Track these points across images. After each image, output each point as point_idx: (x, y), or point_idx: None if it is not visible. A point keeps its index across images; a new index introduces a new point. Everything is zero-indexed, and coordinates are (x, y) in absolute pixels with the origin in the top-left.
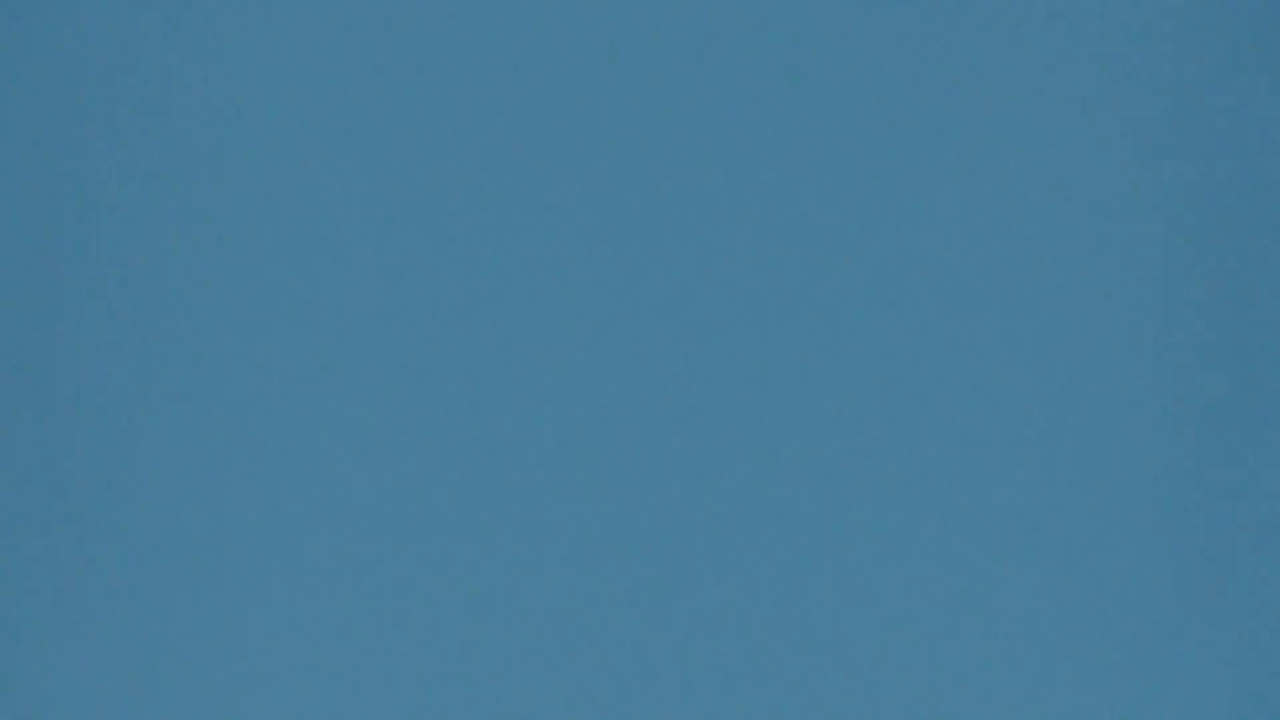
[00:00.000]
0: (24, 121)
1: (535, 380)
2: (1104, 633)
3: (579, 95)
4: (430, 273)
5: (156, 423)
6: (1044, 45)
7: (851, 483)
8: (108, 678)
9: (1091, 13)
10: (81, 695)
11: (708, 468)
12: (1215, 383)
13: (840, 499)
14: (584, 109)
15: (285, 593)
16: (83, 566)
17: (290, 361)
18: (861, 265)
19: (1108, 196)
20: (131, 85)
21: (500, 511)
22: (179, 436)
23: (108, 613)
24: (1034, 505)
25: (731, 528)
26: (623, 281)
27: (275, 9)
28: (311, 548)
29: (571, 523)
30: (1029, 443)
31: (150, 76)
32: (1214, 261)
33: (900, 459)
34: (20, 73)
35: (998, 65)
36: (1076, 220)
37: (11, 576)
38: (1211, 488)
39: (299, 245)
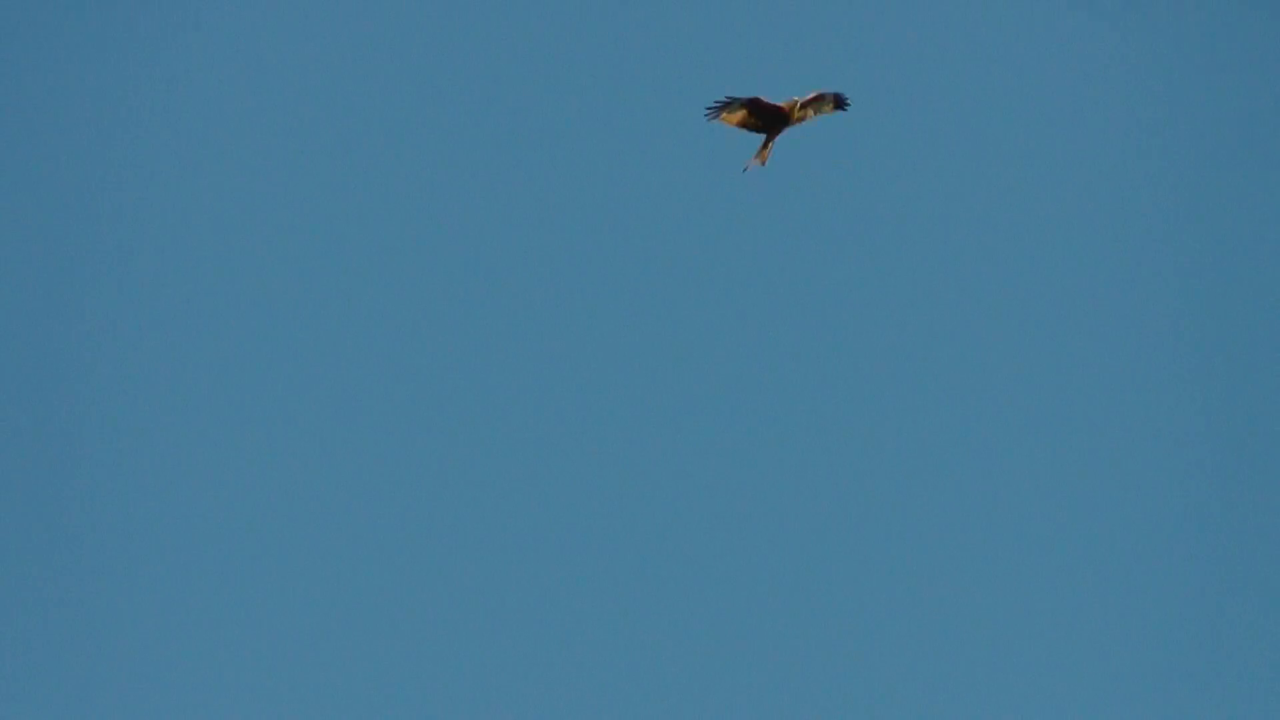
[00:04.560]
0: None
1: (533, 382)
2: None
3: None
4: (417, 282)
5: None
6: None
7: (853, 487)
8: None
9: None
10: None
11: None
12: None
13: (841, 501)
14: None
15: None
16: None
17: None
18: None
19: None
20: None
21: (493, 514)
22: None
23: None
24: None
25: (731, 534)
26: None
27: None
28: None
29: (570, 525)
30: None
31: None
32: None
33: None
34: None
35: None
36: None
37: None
38: (1218, 492)
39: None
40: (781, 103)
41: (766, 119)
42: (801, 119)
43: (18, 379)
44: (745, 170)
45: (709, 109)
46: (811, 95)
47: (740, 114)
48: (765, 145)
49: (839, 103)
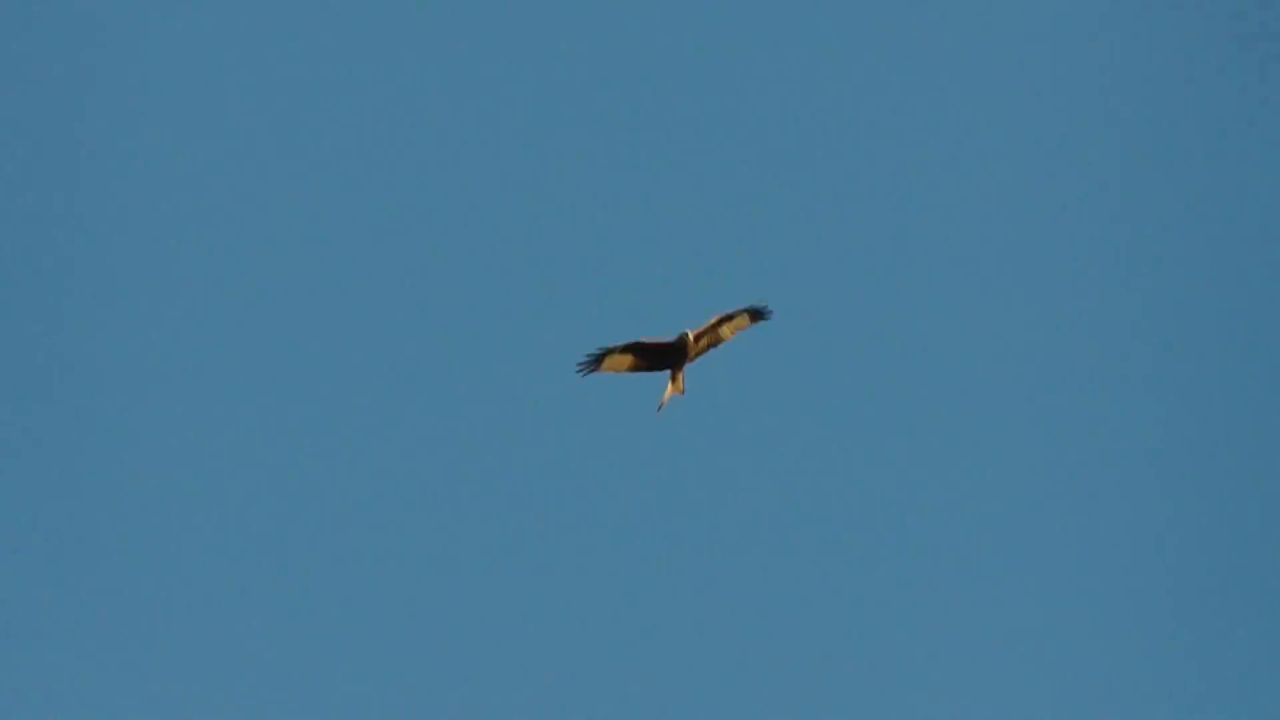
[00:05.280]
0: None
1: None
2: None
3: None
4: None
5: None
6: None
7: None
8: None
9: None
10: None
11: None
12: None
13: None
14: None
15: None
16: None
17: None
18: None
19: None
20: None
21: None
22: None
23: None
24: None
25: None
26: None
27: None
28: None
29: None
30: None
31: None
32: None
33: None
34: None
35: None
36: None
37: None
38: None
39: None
40: (671, 338)
41: (660, 358)
42: (711, 345)
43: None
44: (660, 410)
45: (581, 364)
46: (712, 320)
47: (627, 359)
48: (674, 379)
49: (756, 315)
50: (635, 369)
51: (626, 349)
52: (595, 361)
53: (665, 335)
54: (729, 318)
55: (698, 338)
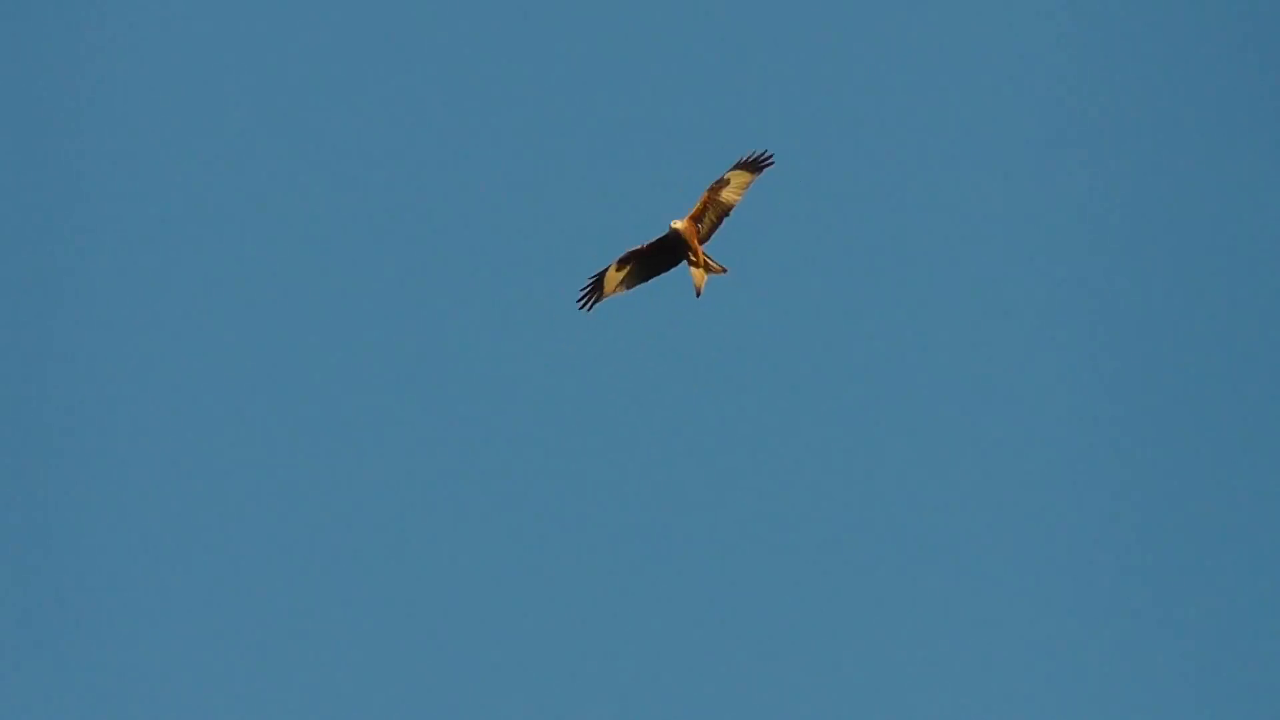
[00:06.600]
0: None
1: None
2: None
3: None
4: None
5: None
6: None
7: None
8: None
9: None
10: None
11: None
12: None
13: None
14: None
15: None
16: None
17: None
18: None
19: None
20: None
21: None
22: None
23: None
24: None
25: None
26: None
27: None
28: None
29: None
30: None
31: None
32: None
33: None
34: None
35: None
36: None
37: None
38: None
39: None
40: (661, 234)
41: (664, 256)
42: (720, 217)
43: None
44: (699, 295)
45: (580, 298)
46: (703, 196)
47: (626, 271)
48: (697, 265)
49: (754, 166)
50: (645, 278)
51: (621, 263)
52: (595, 287)
53: (655, 236)
54: (723, 183)
55: (695, 218)
